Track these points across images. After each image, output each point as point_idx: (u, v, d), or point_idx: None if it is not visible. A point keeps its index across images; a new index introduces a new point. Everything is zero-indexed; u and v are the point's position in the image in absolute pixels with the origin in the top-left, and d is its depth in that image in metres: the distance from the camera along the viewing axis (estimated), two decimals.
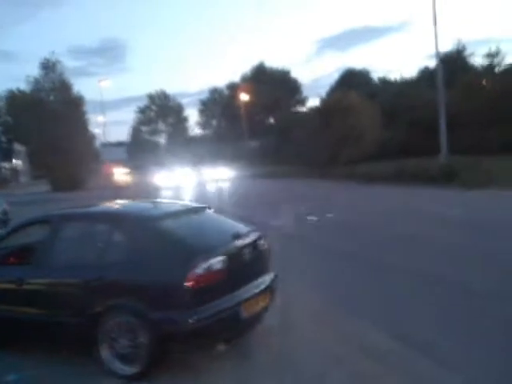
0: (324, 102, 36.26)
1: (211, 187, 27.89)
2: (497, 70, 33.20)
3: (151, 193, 23.58)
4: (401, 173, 20.50)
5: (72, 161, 35.87)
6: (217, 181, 30.87)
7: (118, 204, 5.67)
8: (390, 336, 4.51)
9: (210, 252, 3.99)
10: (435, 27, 21.27)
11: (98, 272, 4.15)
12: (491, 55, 34.08)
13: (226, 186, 28.41)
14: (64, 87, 40.93)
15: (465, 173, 17.97)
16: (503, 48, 36.48)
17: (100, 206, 5.68)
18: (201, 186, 29.00)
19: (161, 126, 78.67)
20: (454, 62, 35.64)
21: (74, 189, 32.92)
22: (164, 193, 24.07)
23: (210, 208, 5.19)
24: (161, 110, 77.12)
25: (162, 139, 79.37)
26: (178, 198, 19.87)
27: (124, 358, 3.96)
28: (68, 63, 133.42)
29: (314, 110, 36.68)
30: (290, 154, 35.23)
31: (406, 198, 16.22)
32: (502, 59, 33.46)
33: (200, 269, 3.81)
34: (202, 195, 22.11)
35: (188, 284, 3.74)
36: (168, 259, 3.96)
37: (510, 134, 24.37)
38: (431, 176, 18.74)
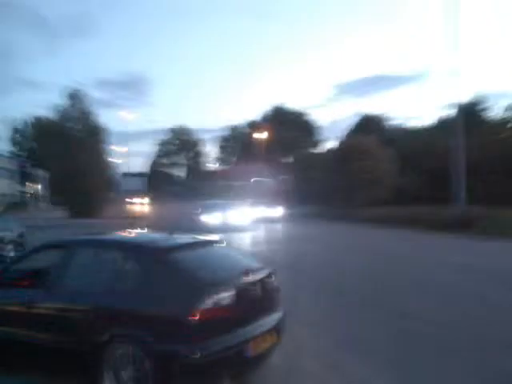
0: (342, 144, 36.62)
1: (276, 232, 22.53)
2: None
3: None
4: (416, 219, 20.46)
5: (88, 189, 36.44)
6: (272, 221, 26.68)
7: (130, 233, 5.74)
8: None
9: (218, 286, 3.98)
10: (456, 76, 21.62)
11: (106, 300, 4.18)
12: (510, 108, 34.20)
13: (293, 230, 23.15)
14: (88, 117, 42.12)
15: (481, 222, 17.84)
16: None
17: (113, 235, 5.75)
18: (261, 228, 23.55)
19: (180, 159, 79.94)
20: (471, 114, 35.76)
21: (90, 216, 33.29)
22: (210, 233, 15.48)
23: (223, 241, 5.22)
24: (181, 144, 78.58)
25: (181, 172, 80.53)
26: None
27: None
28: (95, 94, 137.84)
29: (332, 152, 37.02)
30: (308, 194, 35.31)
31: (424, 244, 16.16)
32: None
33: (207, 303, 3.79)
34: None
35: (194, 318, 3.71)
36: (176, 291, 3.95)
37: None
38: (447, 223, 18.67)
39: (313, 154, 54.96)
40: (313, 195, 33.74)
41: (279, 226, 25.07)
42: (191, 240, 5.19)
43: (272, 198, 31.77)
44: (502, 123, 33.83)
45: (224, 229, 20.54)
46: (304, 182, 37.53)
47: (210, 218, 22.88)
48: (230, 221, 22.77)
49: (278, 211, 29.18)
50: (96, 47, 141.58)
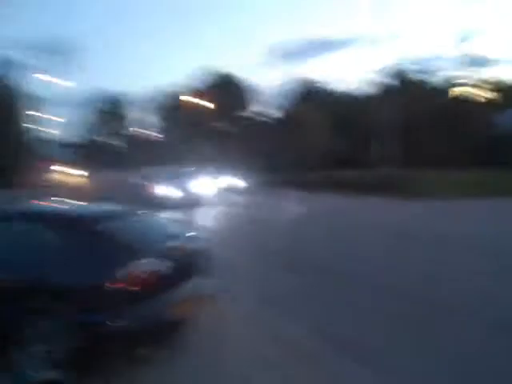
0: (276, 112, 36.97)
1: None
2: (437, 87, 34.99)
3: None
4: (345, 182, 21.29)
5: (8, 158, 34.47)
6: (238, 192, 24.39)
7: (54, 203, 5.55)
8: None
9: (140, 253, 3.97)
10: (389, 40, 22.20)
11: (27, 273, 4.04)
12: (435, 71, 35.85)
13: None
14: (9, 82, 39.32)
15: (406, 184, 18.91)
16: (446, 64, 38.18)
17: (35, 205, 5.54)
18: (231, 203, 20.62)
19: (116, 127, 77.17)
20: (400, 78, 37.06)
21: (11, 187, 31.45)
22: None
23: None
24: (113, 112, 75.64)
25: (118, 141, 77.88)
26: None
27: (48, 363, 3.82)
28: (18, 58, 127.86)
29: (266, 120, 37.31)
30: (243, 161, 35.57)
31: (349, 206, 16.97)
32: (438, 74, 35.33)
33: (129, 271, 3.78)
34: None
35: (114, 286, 3.70)
36: (96, 261, 3.91)
37: (445, 150, 26.05)
38: (374, 186, 19.60)
39: (247, 120, 54.91)
40: (251, 163, 34.10)
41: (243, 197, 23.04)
42: (114, 209, 5.10)
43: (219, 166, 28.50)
44: (428, 87, 35.40)
45: (185, 203, 17.52)
46: (242, 151, 37.66)
47: (166, 190, 18.80)
48: (191, 192, 19.15)
49: (241, 181, 27.08)
50: (17, 8, 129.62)
